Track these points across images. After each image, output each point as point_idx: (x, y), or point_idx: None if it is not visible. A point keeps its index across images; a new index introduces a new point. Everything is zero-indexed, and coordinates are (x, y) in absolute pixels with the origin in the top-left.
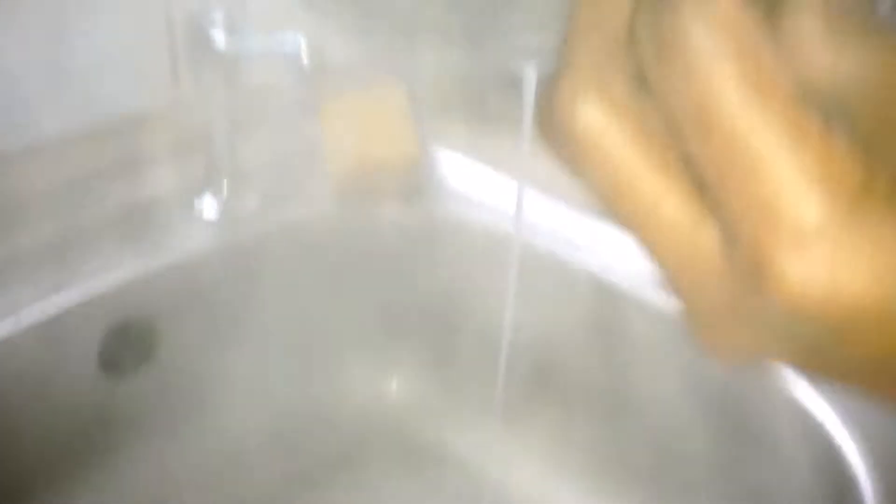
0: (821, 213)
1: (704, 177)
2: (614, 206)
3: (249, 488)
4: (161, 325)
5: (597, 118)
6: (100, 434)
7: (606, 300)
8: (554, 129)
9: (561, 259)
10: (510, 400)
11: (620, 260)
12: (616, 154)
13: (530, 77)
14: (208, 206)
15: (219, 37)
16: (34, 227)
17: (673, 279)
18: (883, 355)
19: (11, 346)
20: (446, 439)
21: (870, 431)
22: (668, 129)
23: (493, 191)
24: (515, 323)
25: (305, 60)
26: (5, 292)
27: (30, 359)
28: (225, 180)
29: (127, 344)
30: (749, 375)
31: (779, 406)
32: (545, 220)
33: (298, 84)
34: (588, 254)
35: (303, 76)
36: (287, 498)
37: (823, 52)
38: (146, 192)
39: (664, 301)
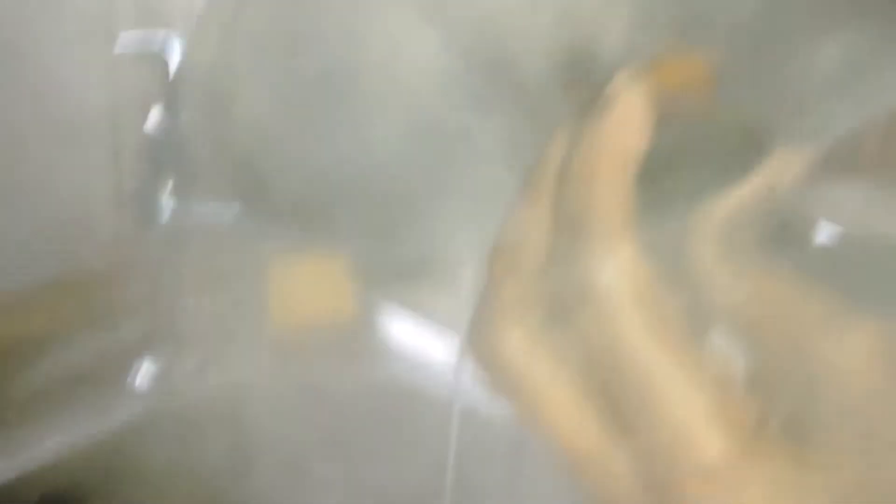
0: (719, 452)
1: (616, 409)
2: (537, 431)
3: None
4: (95, 500)
5: (518, 351)
6: None
7: (547, 460)
8: (486, 360)
9: (500, 421)
10: None
11: None
12: (535, 385)
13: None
14: (146, 372)
15: (166, 203)
16: None
17: (595, 499)
18: None
19: None
20: None
21: None
22: (585, 363)
23: (435, 351)
24: (456, 487)
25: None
26: None
27: None
28: (165, 348)
29: None
30: None
31: None
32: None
33: (242, 246)
34: None
35: (247, 240)
36: None
37: (722, 284)
38: (82, 358)
39: None
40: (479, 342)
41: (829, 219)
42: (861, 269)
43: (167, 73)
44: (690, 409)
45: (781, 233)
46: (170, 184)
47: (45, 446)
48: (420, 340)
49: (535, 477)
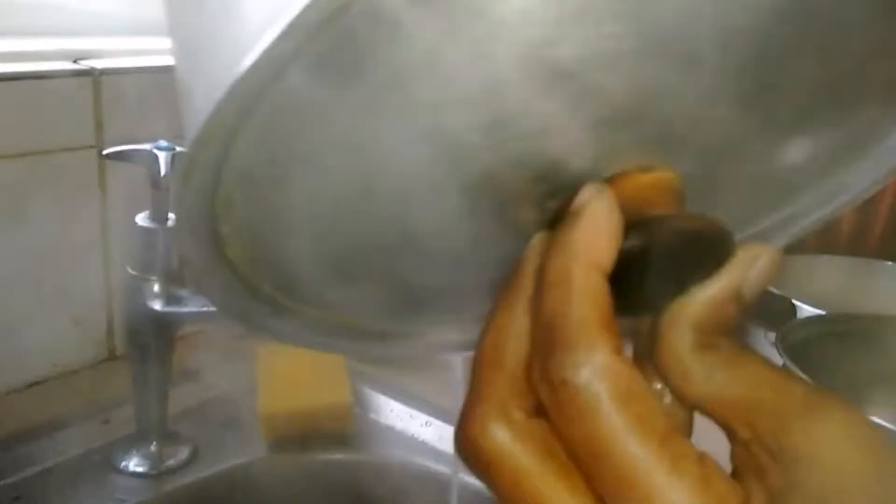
0: None
1: (604, 497)
2: None
3: None
4: None
5: (503, 445)
6: None
7: None
8: (471, 454)
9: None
10: None
11: None
12: (524, 477)
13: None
14: (138, 462)
15: (156, 304)
16: None
17: None
18: None
19: None
20: None
21: None
22: (569, 456)
23: (426, 430)
24: None
25: (242, 328)
26: None
27: None
28: (154, 435)
29: None
30: None
31: None
32: None
33: (231, 334)
34: None
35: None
36: None
37: (695, 371)
38: (75, 449)
39: None
40: (465, 438)
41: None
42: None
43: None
44: (674, 498)
45: (762, 313)
46: (159, 277)
47: None
48: (411, 421)
49: None
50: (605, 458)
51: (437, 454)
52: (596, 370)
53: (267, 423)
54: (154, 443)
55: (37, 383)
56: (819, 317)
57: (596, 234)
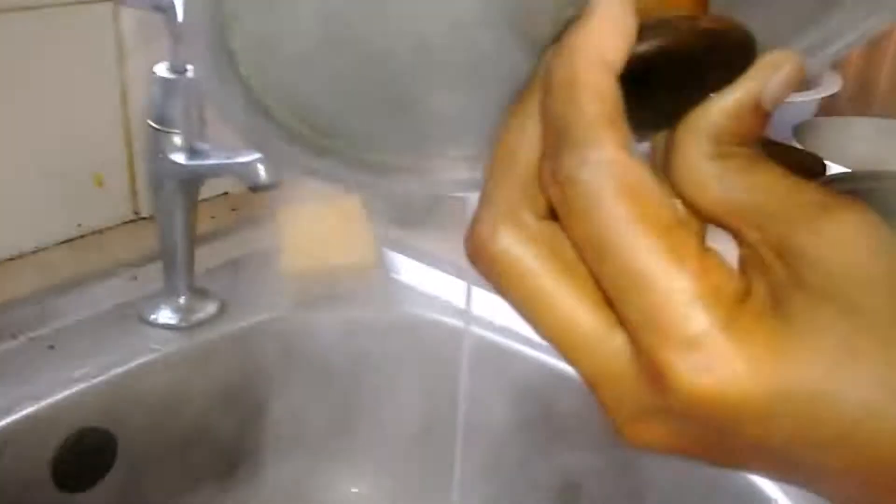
0: (702, 325)
1: (607, 294)
2: (533, 324)
3: None
4: (119, 436)
5: (511, 246)
6: None
7: (552, 387)
8: (479, 257)
9: (508, 350)
10: (465, 491)
11: None
12: (530, 277)
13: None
14: (167, 315)
15: (179, 157)
16: None
17: (591, 384)
18: (770, 445)
19: None
20: None
21: None
22: (577, 254)
23: (446, 287)
24: (469, 412)
25: (263, 178)
26: None
27: None
28: (183, 289)
29: (84, 456)
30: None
31: (731, 490)
32: (494, 313)
33: (255, 195)
34: (533, 344)
35: (260, 191)
36: None
37: (710, 178)
38: (105, 303)
39: None
40: (474, 241)
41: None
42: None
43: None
44: (674, 286)
45: (793, 172)
46: (181, 130)
47: (76, 379)
48: (431, 280)
49: (534, 390)
50: (607, 250)
51: (456, 312)
52: (601, 165)
53: (292, 281)
54: (182, 297)
55: (63, 242)
56: (845, 174)
57: (605, 31)
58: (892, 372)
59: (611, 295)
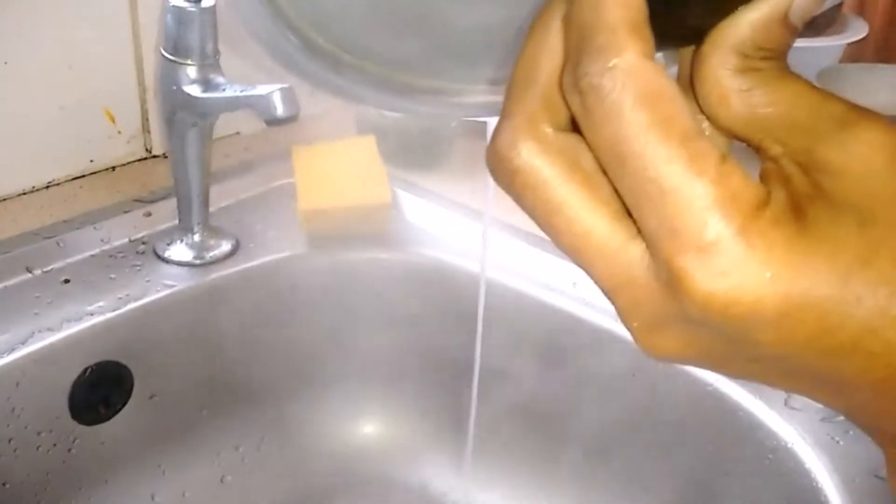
0: (718, 231)
1: (626, 204)
2: (552, 234)
3: None
4: (136, 367)
5: (530, 157)
6: (75, 476)
7: (566, 329)
8: (498, 168)
9: (522, 293)
10: (480, 433)
11: (579, 290)
12: (549, 188)
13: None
14: (182, 252)
15: (193, 90)
16: (8, 275)
17: (610, 293)
18: (783, 353)
19: None
20: (419, 475)
21: (836, 452)
22: (597, 165)
23: (460, 231)
24: (484, 355)
25: (280, 111)
26: None
27: None
28: (197, 226)
29: (100, 389)
30: (716, 401)
31: (743, 426)
32: (508, 257)
33: (268, 131)
34: (549, 288)
35: (276, 125)
36: None
37: (734, 92)
38: (119, 239)
39: (619, 327)
40: (494, 152)
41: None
42: None
43: None
44: (691, 192)
45: None
46: (195, 61)
47: (91, 312)
48: (446, 223)
49: (549, 335)
50: (626, 158)
51: (470, 254)
52: (623, 72)
53: (306, 220)
54: (197, 234)
55: (75, 178)
56: None
57: None
58: None
59: (629, 203)
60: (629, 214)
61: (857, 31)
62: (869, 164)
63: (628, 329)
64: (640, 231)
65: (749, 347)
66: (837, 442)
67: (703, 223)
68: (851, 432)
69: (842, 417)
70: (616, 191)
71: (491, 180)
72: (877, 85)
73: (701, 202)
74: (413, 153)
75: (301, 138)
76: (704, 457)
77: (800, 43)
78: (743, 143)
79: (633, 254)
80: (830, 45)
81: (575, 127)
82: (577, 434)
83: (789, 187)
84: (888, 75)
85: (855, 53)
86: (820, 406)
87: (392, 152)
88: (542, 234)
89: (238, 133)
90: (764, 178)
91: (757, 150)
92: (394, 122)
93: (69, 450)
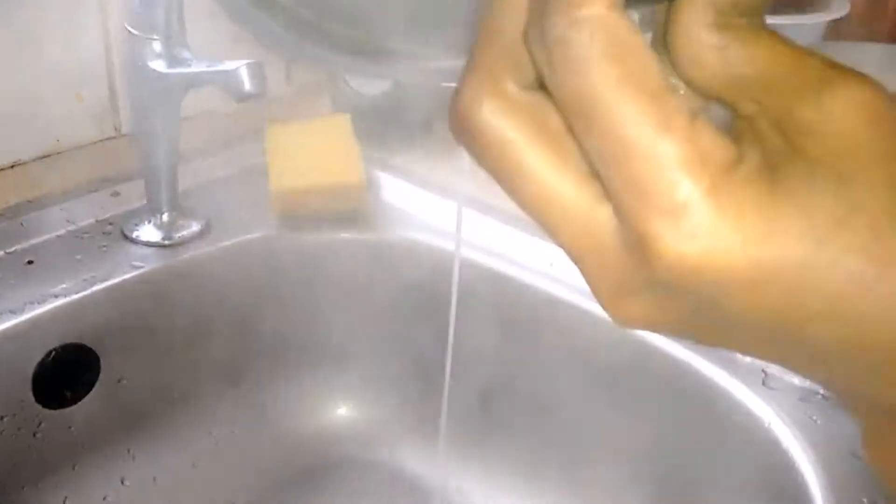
0: (688, 191)
1: (593, 165)
2: (516, 197)
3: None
4: (102, 350)
5: (493, 116)
6: (41, 461)
7: (542, 309)
8: (460, 127)
9: (498, 273)
10: (454, 413)
11: (555, 270)
12: (512, 148)
13: None
14: (150, 232)
15: (158, 65)
16: None
17: (576, 259)
18: (755, 320)
19: None
20: (394, 457)
21: (814, 432)
22: (564, 125)
23: (435, 211)
24: (458, 336)
25: (247, 87)
26: None
27: None
28: (166, 206)
29: (66, 372)
30: (693, 380)
31: (721, 406)
32: (484, 236)
33: (240, 110)
34: (523, 267)
35: (244, 101)
36: None
37: (709, 50)
38: (86, 219)
39: (597, 307)
40: (455, 110)
41: None
42: None
43: None
44: (659, 151)
45: None
46: (161, 37)
47: (56, 294)
48: (421, 203)
49: (525, 315)
50: (592, 115)
51: (445, 234)
52: (591, 24)
53: (278, 200)
54: (165, 214)
55: (42, 157)
56: None
57: None
58: (882, 246)
59: (596, 164)
60: (597, 177)
61: (840, 7)
62: (848, 122)
63: (596, 296)
64: (607, 193)
65: (720, 314)
66: (815, 421)
67: (670, 184)
68: (830, 412)
69: (820, 397)
70: (583, 152)
71: (466, 158)
72: (860, 63)
73: (669, 162)
74: (389, 133)
75: (275, 118)
76: (680, 435)
77: (781, 20)
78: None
79: (600, 218)
80: (812, 22)
81: (542, 86)
82: (554, 413)
83: (763, 147)
84: (871, 53)
85: (837, 31)
86: (798, 385)
87: (368, 132)
88: (520, 214)
89: (210, 112)
90: (737, 138)
91: (730, 108)
92: (370, 101)
93: (34, 434)
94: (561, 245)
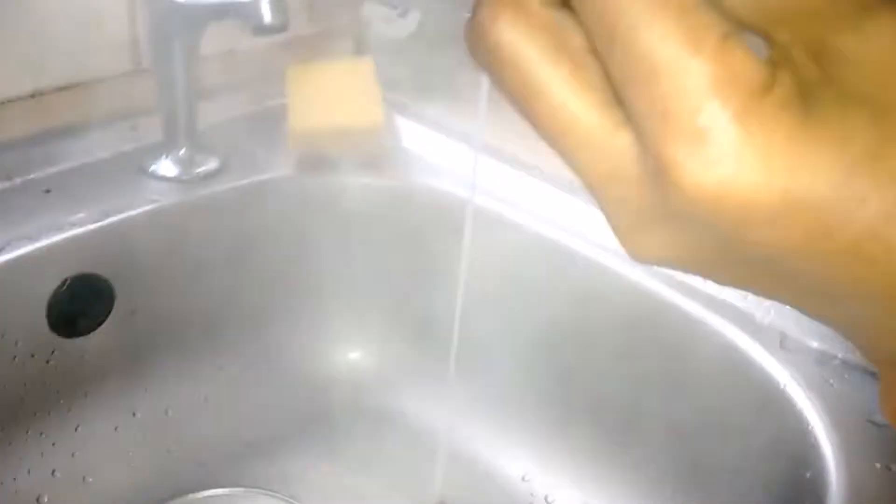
0: (715, 113)
1: (615, 87)
2: (532, 119)
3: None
4: (117, 282)
5: (512, 34)
6: (53, 388)
7: (556, 260)
8: (477, 43)
9: (512, 221)
10: (464, 358)
11: (569, 220)
12: (530, 69)
13: None
14: (167, 167)
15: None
16: None
17: (593, 186)
18: (777, 255)
19: None
20: (404, 402)
21: (830, 396)
22: (588, 45)
23: (451, 157)
24: (469, 284)
25: (268, 19)
26: None
27: None
28: (184, 142)
29: (80, 302)
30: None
31: (737, 367)
32: (500, 185)
33: (261, 50)
34: (537, 216)
35: (264, 35)
36: (253, 445)
37: None
38: (104, 151)
39: (611, 259)
40: (473, 27)
41: None
42: None
43: None
44: (686, 71)
45: None
46: None
47: (72, 223)
48: (439, 149)
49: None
50: (617, 32)
51: (461, 181)
52: None
53: (296, 140)
54: (183, 149)
55: (62, 88)
56: None
57: None
58: None
59: (619, 86)
60: (619, 104)
61: None
62: (888, 53)
63: (611, 227)
64: (629, 118)
65: (740, 248)
66: (832, 385)
67: (696, 106)
68: (847, 376)
69: (837, 361)
70: (606, 75)
71: (483, 104)
72: None
73: (695, 82)
74: (412, 78)
75: (297, 60)
76: (694, 394)
77: None
78: None
79: (620, 143)
80: None
81: (565, 2)
82: (565, 368)
83: (797, 74)
84: None
85: None
86: (816, 348)
87: (390, 76)
88: (536, 163)
89: (231, 52)
90: (770, 63)
91: (764, 36)
92: (394, 45)
93: (47, 361)
94: (577, 171)
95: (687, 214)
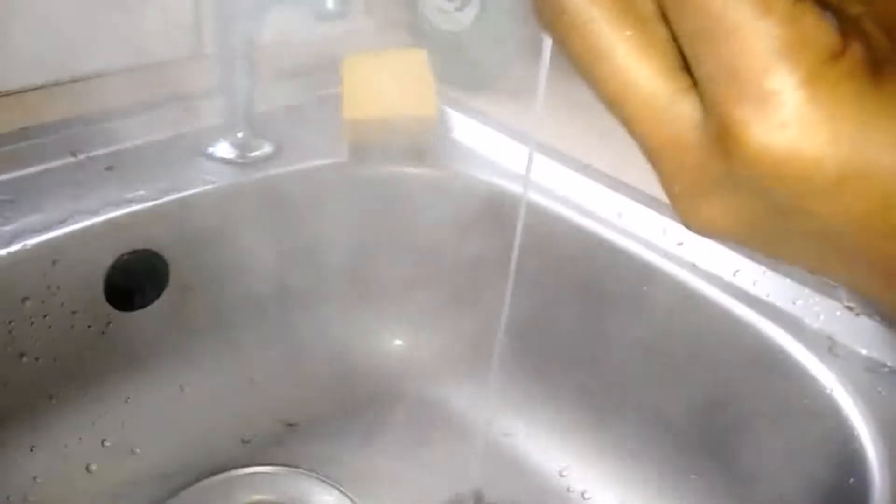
0: (782, 77)
1: (683, 50)
2: (595, 83)
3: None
4: (172, 259)
5: None
6: (107, 359)
7: (609, 262)
8: (543, 5)
9: (566, 219)
10: (508, 353)
11: (623, 221)
12: (597, 31)
13: (547, 44)
14: (225, 149)
15: None
16: (52, 157)
17: (652, 152)
18: (837, 228)
19: (17, 270)
20: (446, 392)
21: (877, 402)
22: (657, 11)
23: (504, 153)
24: (519, 277)
25: (330, 5)
26: (19, 217)
27: (34, 283)
28: (241, 126)
29: (136, 276)
30: (757, 342)
31: (784, 370)
32: (552, 182)
33: (318, 40)
34: (593, 217)
35: (325, 21)
36: (296, 427)
37: None
38: (164, 132)
39: (661, 260)
40: None
41: None
42: None
43: None
44: (755, 35)
45: None
46: None
47: (131, 200)
48: (490, 144)
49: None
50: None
51: (512, 176)
52: None
53: (350, 129)
54: (241, 133)
55: (126, 70)
56: None
57: None
58: None
59: (687, 49)
60: (684, 71)
61: None
62: None
63: (668, 195)
64: (695, 83)
65: (800, 219)
66: (880, 392)
67: (766, 68)
68: None
69: (887, 369)
70: (674, 41)
71: (539, 99)
72: None
73: (765, 44)
74: (466, 72)
75: (353, 51)
76: (739, 397)
77: None
78: None
79: (683, 109)
80: None
81: None
82: (611, 367)
83: (868, 45)
84: None
85: None
86: (865, 355)
87: (445, 69)
88: (589, 161)
89: (289, 41)
90: (841, 31)
91: (836, 10)
92: (449, 38)
93: (102, 332)
94: (636, 137)
95: (747, 180)
